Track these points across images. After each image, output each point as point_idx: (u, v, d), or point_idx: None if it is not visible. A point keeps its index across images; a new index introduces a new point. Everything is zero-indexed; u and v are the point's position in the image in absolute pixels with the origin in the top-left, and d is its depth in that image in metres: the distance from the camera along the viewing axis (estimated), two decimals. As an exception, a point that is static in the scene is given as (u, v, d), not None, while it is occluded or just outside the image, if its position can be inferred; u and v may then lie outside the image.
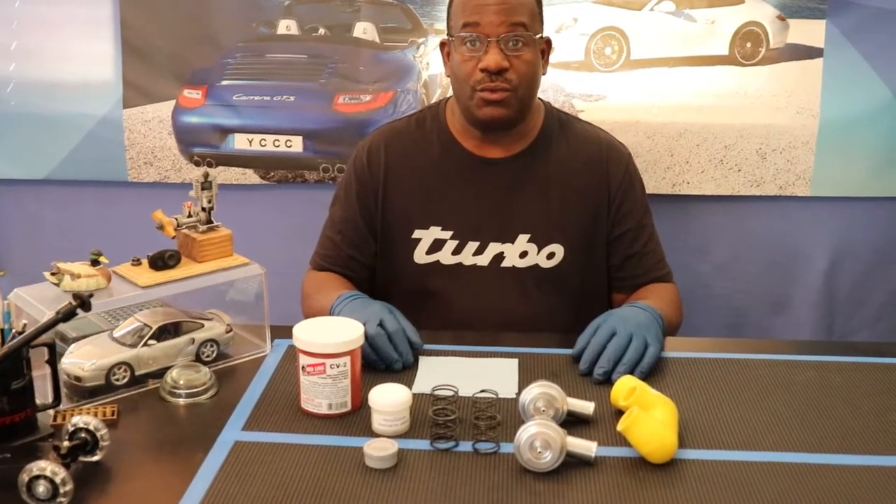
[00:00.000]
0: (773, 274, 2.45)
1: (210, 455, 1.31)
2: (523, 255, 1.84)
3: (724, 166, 2.37)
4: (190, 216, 1.56)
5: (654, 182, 2.36)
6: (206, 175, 1.56)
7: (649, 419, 1.30)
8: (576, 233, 1.85)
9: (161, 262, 1.51)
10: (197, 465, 1.29)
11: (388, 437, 1.34)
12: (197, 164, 2.43)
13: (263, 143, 2.41)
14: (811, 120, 2.32)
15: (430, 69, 2.37)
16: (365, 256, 1.89)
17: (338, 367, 1.39)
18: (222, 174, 2.44)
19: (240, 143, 2.42)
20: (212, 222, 1.57)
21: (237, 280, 1.61)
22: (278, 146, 2.41)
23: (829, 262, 2.43)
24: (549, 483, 1.25)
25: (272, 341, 1.64)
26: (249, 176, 2.45)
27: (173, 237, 1.56)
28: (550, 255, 1.84)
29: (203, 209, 1.56)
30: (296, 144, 2.41)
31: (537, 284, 1.85)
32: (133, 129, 2.42)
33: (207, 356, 1.57)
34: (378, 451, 1.28)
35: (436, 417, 1.36)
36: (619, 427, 1.30)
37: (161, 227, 1.54)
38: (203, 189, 1.55)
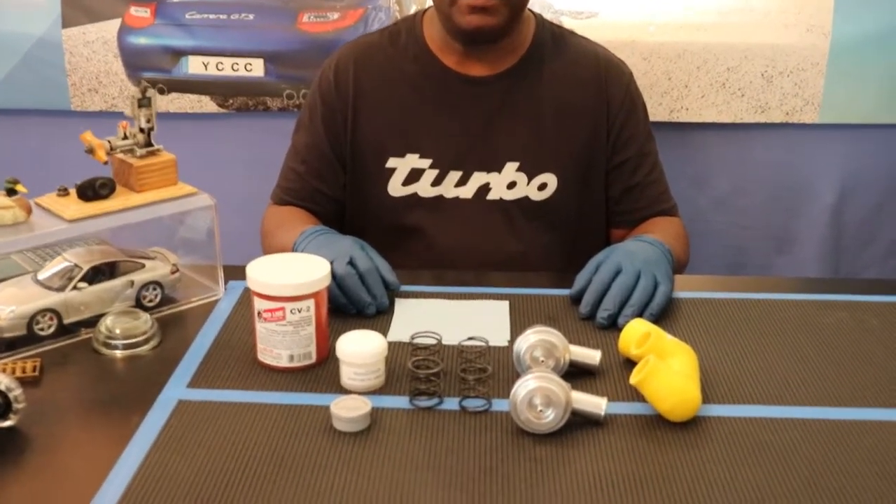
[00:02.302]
0: (777, 208, 2.30)
1: (148, 417, 1.11)
2: (511, 185, 1.65)
3: (726, 91, 2.19)
4: (126, 138, 1.34)
5: (651, 108, 2.13)
6: (145, 90, 1.34)
7: (668, 370, 1.11)
8: (570, 161, 1.66)
9: (91, 191, 1.30)
10: (132, 430, 1.09)
11: (360, 393, 1.15)
12: (147, 90, 2.20)
13: (220, 66, 2.20)
14: (822, 39, 2.13)
15: (405, -17, 2.15)
16: (333, 189, 1.69)
17: (300, 311, 1.19)
18: (175, 101, 2.23)
19: (194, 66, 2.21)
20: (151, 145, 1.35)
21: (185, 214, 1.40)
22: (237, 70, 2.21)
23: (838, 195, 2.27)
24: (551, 446, 1.06)
25: (226, 283, 1.43)
26: (205, 103, 2.24)
27: (105, 162, 1.34)
28: (542, 186, 1.65)
29: (141, 130, 1.34)
30: (256, 68, 2.20)
31: (527, 218, 1.66)
32: (74, 51, 2.19)
33: (150, 301, 1.37)
34: (347, 410, 1.08)
35: (416, 370, 1.16)
36: (633, 380, 1.11)
37: (91, 151, 1.32)
38: (140, 106, 1.34)
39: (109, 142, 1.32)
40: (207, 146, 2.22)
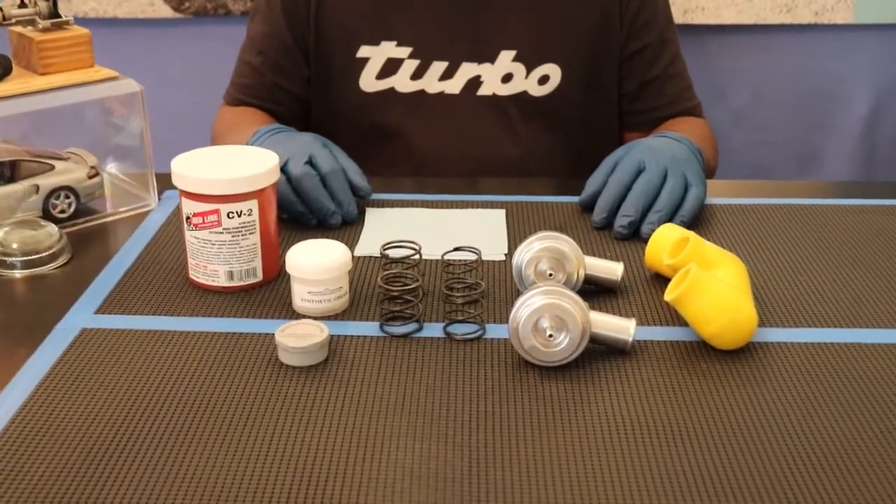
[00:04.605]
0: (804, 121, 2.11)
1: (40, 349, 0.87)
2: (507, 78, 1.42)
3: (747, -14, 1.98)
4: (24, 6, 1.08)
5: (663, 6, 1.95)
6: (47, -54, 1.07)
7: (713, 282, 0.86)
8: (577, 49, 1.43)
9: (-20, 71, 1.04)
10: (17, 365, 0.84)
11: (316, 318, 0.90)
12: (89, -9, 1.95)
13: (173, -38, 1.96)
14: (858, -77, 1.94)
15: None
16: (294, 84, 1.46)
17: (239, 215, 0.94)
18: (123, 6, 2.00)
19: (143, -37, 1.96)
20: (59, 16, 1.09)
21: (115, 115, 1.17)
22: (192, -33, 1.98)
23: (872, 106, 2.08)
24: (563, 382, 0.82)
25: (160, 193, 1.18)
26: (158, 7, 2.00)
27: (-4, 35, 1.08)
28: (543, 79, 1.42)
29: (44, -4, 1.08)
30: (214, -36, 1.97)
31: (526, 118, 1.43)
32: (4, -56, 1.93)
33: (61, 211, 1.12)
34: (297, 339, 0.84)
35: (387, 287, 0.91)
36: (668, 296, 0.86)
37: (-23, 22, 1.06)
38: (42, -33, 1.07)
39: (1, 10, 1.06)
40: (160, 56, 2.01)
